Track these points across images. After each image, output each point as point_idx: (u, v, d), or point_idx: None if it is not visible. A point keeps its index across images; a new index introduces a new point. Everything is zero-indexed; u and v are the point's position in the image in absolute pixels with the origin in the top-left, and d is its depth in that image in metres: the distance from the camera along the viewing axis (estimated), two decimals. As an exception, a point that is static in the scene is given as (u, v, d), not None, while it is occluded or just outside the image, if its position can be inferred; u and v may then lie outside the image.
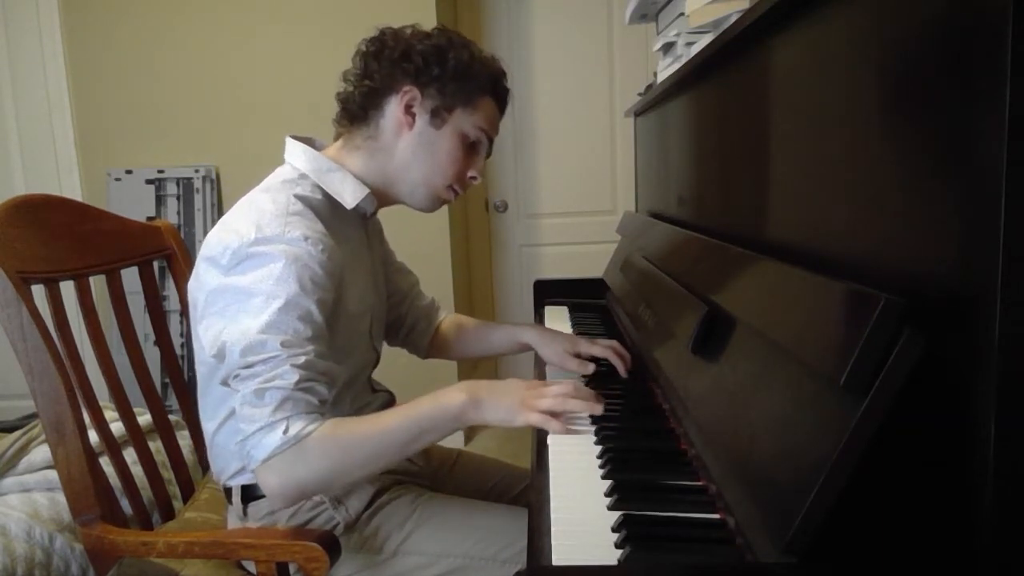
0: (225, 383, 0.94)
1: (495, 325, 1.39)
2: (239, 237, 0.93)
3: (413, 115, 1.06)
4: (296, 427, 0.87)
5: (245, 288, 0.91)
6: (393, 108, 1.06)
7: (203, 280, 0.96)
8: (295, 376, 0.88)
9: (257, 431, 0.87)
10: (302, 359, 0.89)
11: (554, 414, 0.93)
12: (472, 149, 1.10)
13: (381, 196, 1.11)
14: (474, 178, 1.12)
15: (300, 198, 1.01)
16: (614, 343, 1.23)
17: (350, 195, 1.06)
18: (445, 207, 1.16)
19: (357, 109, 1.08)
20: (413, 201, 1.12)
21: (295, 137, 1.10)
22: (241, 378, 0.89)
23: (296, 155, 1.08)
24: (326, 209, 1.04)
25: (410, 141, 1.06)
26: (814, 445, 0.56)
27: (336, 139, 1.13)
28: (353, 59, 1.09)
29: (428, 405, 0.92)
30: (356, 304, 1.07)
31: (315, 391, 0.90)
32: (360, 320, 1.09)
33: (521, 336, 1.30)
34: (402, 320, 1.34)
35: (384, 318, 1.25)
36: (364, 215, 1.13)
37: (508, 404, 0.93)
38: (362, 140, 1.08)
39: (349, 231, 1.09)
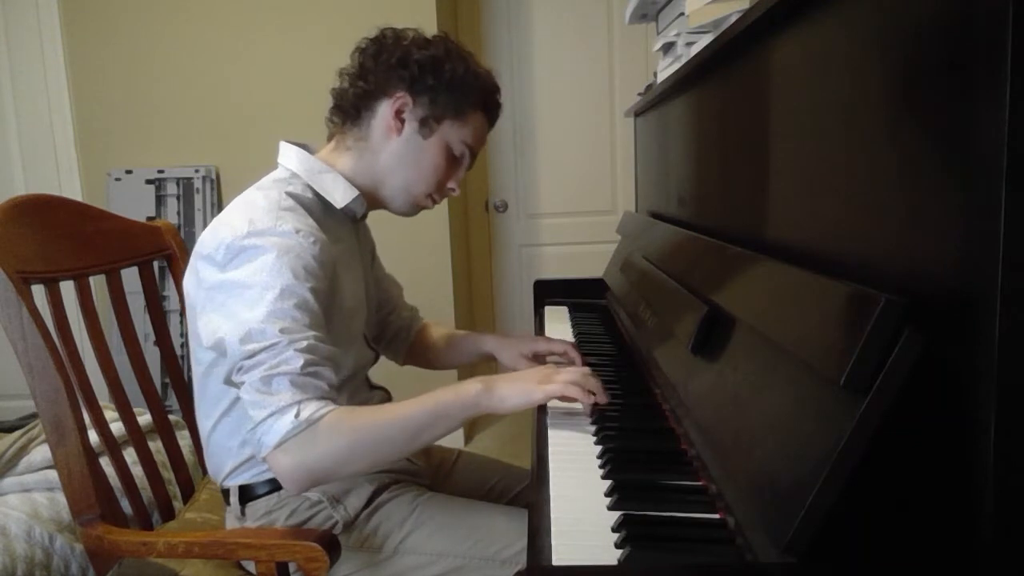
0: (229, 381, 0.94)
1: (462, 335, 1.39)
2: (232, 231, 0.95)
3: (402, 121, 1.07)
4: (308, 411, 0.87)
5: (241, 282, 0.92)
6: (384, 111, 1.07)
7: (201, 277, 0.97)
8: (300, 360, 0.89)
9: (268, 417, 0.87)
10: (304, 343, 0.90)
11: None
12: (455, 161, 1.12)
13: (370, 198, 1.13)
14: (452, 189, 1.14)
15: (291, 195, 1.03)
16: (566, 343, 1.26)
17: (340, 195, 1.08)
18: (445, 207, 1.18)
19: (350, 107, 1.09)
20: (393, 205, 1.14)
21: (289, 142, 1.11)
22: (245, 369, 0.90)
23: (289, 157, 1.09)
24: (317, 208, 1.06)
25: (397, 147, 1.08)
26: (814, 445, 0.56)
27: (329, 139, 1.14)
28: (352, 56, 1.10)
29: (444, 393, 0.94)
30: (351, 300, 1.08)
31: (322, 375, 0.91)
32: (355, 316, 1.10)
33: (482, 344, 1.34)
34: (388, 328, 1.36)
35: (376, 321, 1.26)
36: (354, 217, 1.15)
37: (523, 387, 0.94)
38: (353, 141, 1.10)
39: (340, 231, 1.11)
